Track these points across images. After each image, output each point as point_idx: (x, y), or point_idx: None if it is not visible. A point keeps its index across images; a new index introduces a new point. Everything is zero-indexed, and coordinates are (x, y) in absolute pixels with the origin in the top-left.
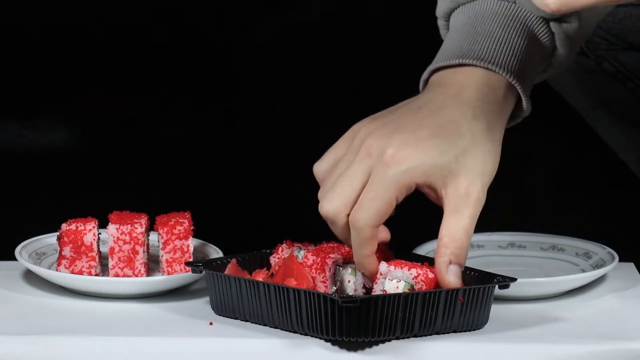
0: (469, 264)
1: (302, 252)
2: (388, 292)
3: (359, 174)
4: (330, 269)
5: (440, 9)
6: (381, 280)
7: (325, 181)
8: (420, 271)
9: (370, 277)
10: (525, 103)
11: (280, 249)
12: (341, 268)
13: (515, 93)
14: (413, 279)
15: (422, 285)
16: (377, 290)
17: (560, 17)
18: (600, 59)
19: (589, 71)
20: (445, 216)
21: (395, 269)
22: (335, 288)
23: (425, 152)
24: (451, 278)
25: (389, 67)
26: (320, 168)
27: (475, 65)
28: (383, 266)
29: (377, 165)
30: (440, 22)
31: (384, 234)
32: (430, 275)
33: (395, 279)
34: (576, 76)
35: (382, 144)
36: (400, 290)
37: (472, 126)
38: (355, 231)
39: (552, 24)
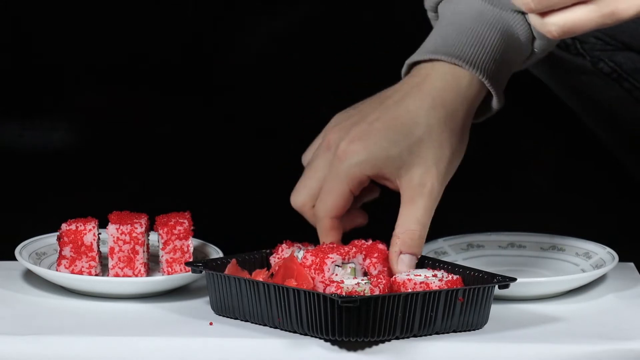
0: (469, 264)
1: (301, 252)
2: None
3: (321, 167)
4: (329, 269)
5: (427, 3)
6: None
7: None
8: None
9: None
10: (495, 97)
11: (280, 249)
12: (340, 268)
13: (485, 86)
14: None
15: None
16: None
17: None
18: (596, 59)
19: (585, 71)
20: (401, 207)
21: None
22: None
23: (376, 144)
24: (400, 267)
25: (389, 65)
26: (305, 158)
27: (444, 61)
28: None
29: (333, 159)
30: (430, 14)
31: (360, 219)
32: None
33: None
34: (573, 76)
35: (339, 137)
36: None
37: (429, 115)
38: (317, 221)
39: (528, 15)
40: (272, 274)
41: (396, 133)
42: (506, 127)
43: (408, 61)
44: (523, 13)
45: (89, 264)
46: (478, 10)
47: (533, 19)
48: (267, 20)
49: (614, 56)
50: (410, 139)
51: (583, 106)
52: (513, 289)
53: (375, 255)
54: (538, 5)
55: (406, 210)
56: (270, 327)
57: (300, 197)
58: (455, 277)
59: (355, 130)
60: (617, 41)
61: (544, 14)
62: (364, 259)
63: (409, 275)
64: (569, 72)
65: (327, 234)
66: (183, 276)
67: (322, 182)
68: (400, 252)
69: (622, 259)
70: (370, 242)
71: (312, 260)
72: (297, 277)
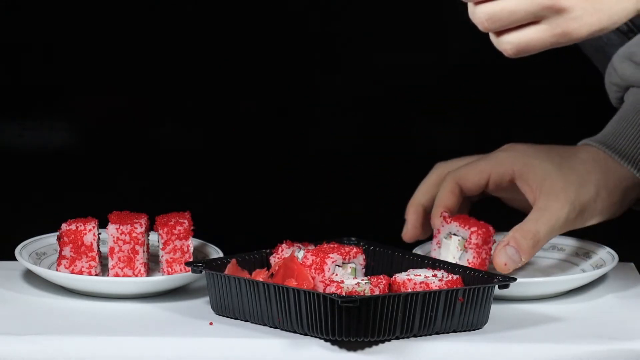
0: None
1: (302, 252)
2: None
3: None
4: (329, 269)
5: (612, 98)
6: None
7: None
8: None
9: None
10: None
11: (280, 249)
12: (340, 268)
13: None
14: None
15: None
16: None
17: None
18: None
19: None
20: (529, 214)
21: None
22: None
23: (533, 153)
24: (500, 257)
25: (380, 72)
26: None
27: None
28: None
29: (494, 152)
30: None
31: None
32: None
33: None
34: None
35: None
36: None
37: (596, 171)
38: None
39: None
40: (272, 274)
41: (556, 156)
42: (507, 127)
43: (586, 141)
44: None
45: (89, 264)
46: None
47: (491, 37)
48: (266, 18)
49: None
50: (566, 168)
51: (604, 65)
52: (513, 289)
53: (483, 229)
54: (492, 24)
55: (533, 216)
56: (270, 327)
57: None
58: (455, 277)
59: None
60: None
61: (499, 33)
62: (470, 227)
63: (409, 275)
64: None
65: (447, 194)
66: (183, 276)
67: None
68: (507, 244)
69: (622, 259)
70: None
71: (312, 260)
72: (297, 277)
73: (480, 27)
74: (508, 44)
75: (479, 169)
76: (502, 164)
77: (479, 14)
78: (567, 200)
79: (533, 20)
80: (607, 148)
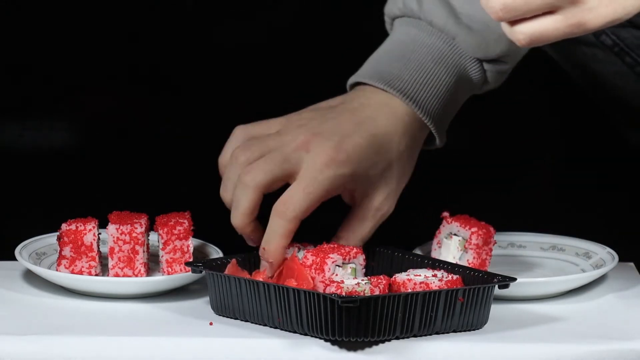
0: None
1: (302, 252)
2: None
3: (293, 161)
4: (329, 269)
5: (389, 10)
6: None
7: (246, 150)
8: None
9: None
10: (438, 139)
11: None
12: (340, 268)
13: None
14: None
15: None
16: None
17: (495, 59)
18: (598, 32)
19: (587, 43)
20: (349, 219)
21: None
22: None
23: (360, 162)
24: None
25: None
26: (225, 156)
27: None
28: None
29: (314, 163)
30: (387, 20)
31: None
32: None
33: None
34: (575, 48)
35: (321, 143)
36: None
37: (401, 142)
38: (282, 220)
39: (485, 64)
40: (272, 274)
41: (376, 154)
42: (507, 127)
43: (359, 78)
44: (480, 61)
45: (89, 264)
46: (439, 51)
47: (503, 26)
48: (266, 20)
49: (618, 31)
50: (385, 162)
51: (586, 80)
52: (513, 289)
53: (484, 230)
54: (507, 14)
55: (355, 225)
56: (270, 327)
57: (263, 176)
58: (455, 277)
59: (337, 140)
60: None
61: (513, 22)
62: (470, 228)
63: (408, 275)
64: (571, 44)
65: (289, 235)
66: (183, 276)
67: (286, 176)
68: None
69: (622, 259)
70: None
71: (312, 260)
72: (297, 277)
73: (494, 16)
74: (522, 34)
75: (313, 202)
76: (333, 185)
77: (493, 3)
78: (388, 201)
79: (548, 10)
80: (410, 101)
